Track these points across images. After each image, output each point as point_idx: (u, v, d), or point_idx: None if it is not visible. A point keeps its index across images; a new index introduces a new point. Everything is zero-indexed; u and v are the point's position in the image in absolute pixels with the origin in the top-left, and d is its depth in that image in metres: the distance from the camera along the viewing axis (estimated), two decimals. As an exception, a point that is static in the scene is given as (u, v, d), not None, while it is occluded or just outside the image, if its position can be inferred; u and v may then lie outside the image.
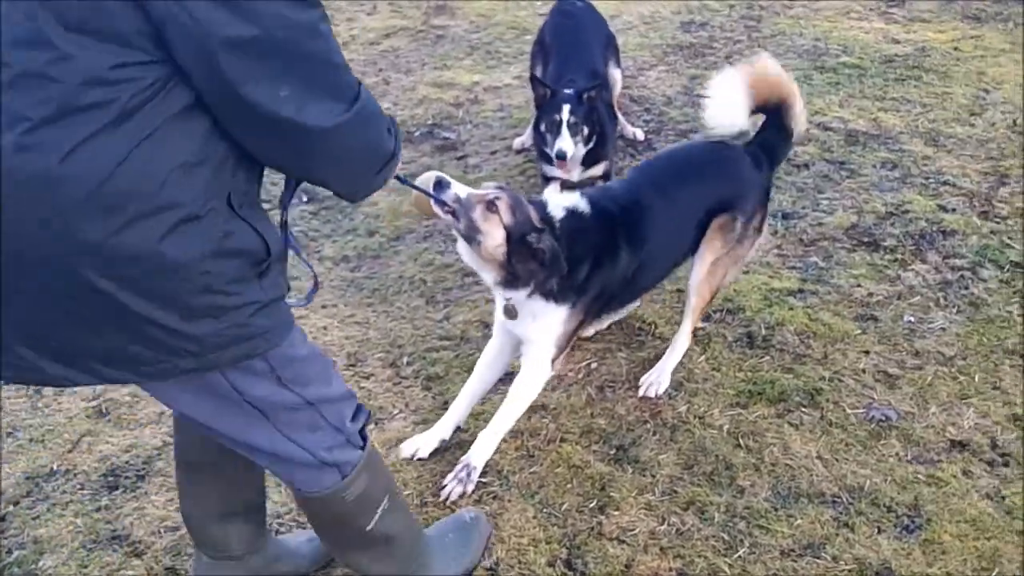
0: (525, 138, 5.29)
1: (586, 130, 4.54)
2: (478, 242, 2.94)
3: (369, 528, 2.43)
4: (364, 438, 2.36)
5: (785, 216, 4.56)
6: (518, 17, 7.32)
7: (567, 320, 3.18)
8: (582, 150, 4.58)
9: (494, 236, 2.93)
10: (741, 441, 3.26)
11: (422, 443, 3.31)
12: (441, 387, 3.61)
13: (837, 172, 4.92)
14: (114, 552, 2.95)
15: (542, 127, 4.61)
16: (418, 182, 2.90)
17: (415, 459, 3.26)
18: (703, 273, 3.51)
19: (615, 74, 5.19)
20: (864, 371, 3.56)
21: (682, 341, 3.64)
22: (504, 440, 3.24)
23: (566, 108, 4.47)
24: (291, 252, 2.09)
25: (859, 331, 3.77)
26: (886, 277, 4.10)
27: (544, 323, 3.17)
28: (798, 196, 4.73)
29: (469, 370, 3.49)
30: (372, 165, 1.97)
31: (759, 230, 3.64)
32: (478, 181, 5.01)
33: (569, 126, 4.47)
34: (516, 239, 2.94)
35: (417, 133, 5.62)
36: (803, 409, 3.39)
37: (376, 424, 3.46)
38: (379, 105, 1.89)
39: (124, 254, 1.68)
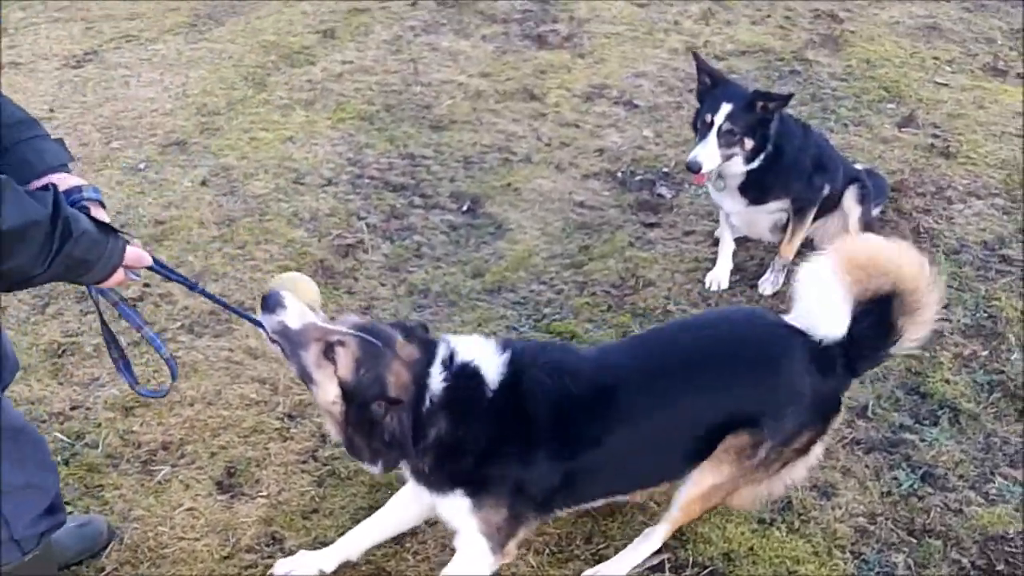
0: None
1: (748, 144, 3.56)
2: (311, 390, 2.30)
3: None
4: (39, 543, 2.15)
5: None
6: (904, 85, 5.83)
7: (477, 512, 2.41)
8: (740, 167, 3.63)
9: (326, 390, 2.26)
10: None
11: (296, 567, 2.74)
12: None
13: None
14: None
15: (698, 124, 3.68)
16: (273, 283, 2.32)
17: None
18: (695, 494, 2.60)
19: (852, 206, 4.00)
20: None
21: (652, 541, 2.75)
22: None
23: (724, 109, 3.51)
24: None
25: None
26: None
27: (452, 510, 2.45)
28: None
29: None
30: None
31: (802, 452, 2.59)
32: (626, 270, 4.09)
33: (720, 133, 3.52)
34: (357, 404, 2.23)
35: (637, 178, 4.73)
36: None
37: None
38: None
39: None
